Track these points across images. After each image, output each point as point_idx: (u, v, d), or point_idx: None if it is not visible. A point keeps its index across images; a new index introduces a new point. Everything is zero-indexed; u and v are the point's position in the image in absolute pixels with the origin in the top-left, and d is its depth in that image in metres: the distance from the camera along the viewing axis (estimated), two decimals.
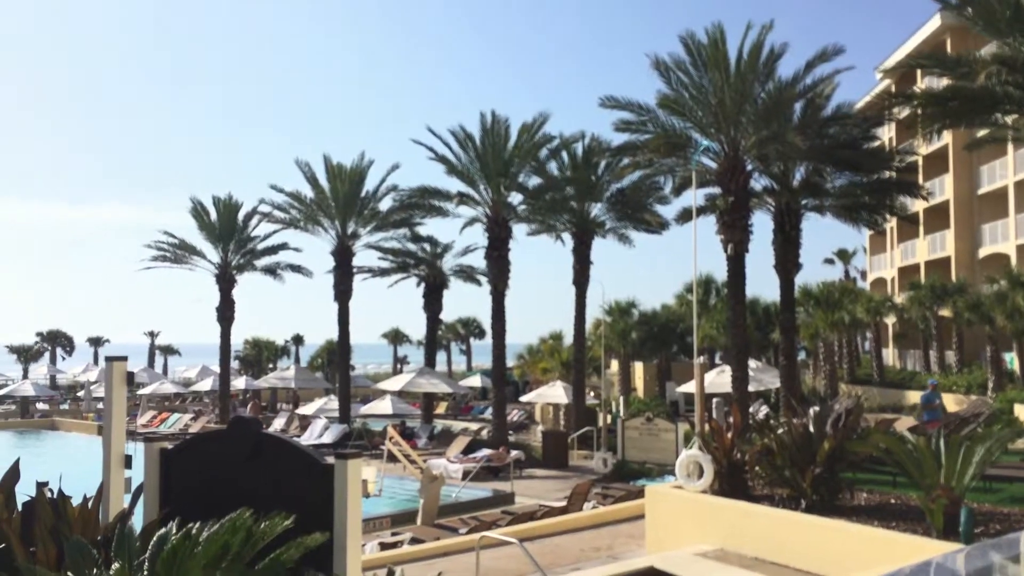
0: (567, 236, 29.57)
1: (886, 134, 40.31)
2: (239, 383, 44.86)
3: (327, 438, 28.88)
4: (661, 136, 22.67)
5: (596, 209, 29.28)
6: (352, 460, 5.43)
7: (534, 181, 28.86)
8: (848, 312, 35.58)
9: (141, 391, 44.26)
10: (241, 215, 37.63)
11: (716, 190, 23.52)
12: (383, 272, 35.82)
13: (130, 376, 7.21)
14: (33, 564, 5.93)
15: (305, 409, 35.32)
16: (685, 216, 27.63)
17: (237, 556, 4.54)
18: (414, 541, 13.10)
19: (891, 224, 42.03)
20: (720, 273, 39.12)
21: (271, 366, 58.46)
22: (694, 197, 19.44)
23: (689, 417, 25.96)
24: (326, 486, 5.47)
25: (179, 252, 37.74)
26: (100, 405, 45.94)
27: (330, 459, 5.68)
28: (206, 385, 46.98)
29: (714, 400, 23.56)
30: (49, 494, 7.07)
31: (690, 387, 30.79)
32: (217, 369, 41.24)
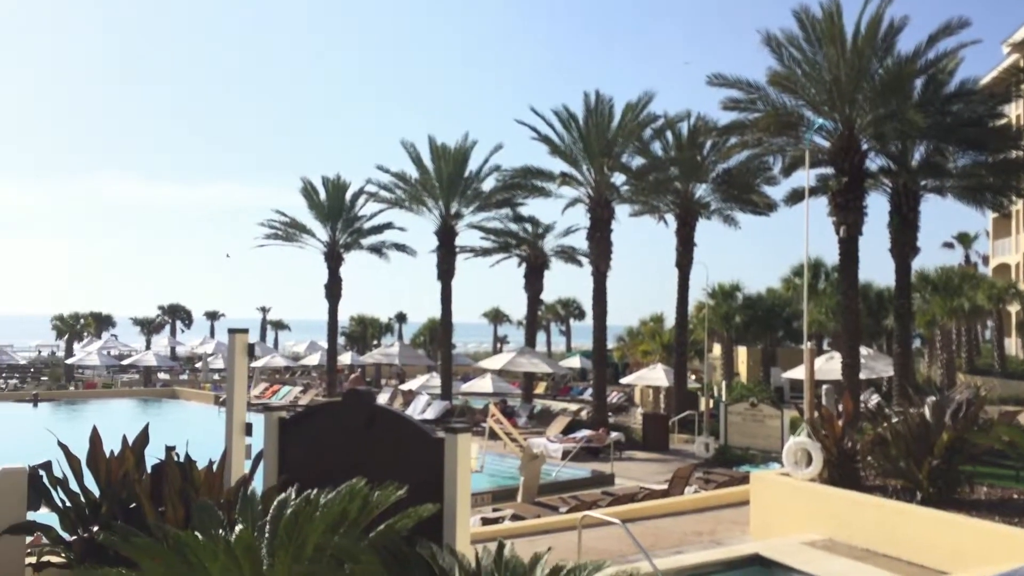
0: (670, 217, 29.17)
1: (1013, 111, 38.05)
2: (345, 358, 46.21)
3: (429, 414, 29.45)
4: (771, 114, 22.03)
5: (701, 190, 28.77)
6: (462, 435, 5.54)
7: (638, 161, 28.55)
8: (968, 299, 33.89)
9: (254, 364, 46.16)
10: (349, 195, 38.61)
11: (828, 170, 22.75)
12: (485, 252, 36.16)
13: (251, 348, 7.54)
14: (162, 523, 6.29)
15: (407, 385, 36.13)
16: (794, 197, 26.82)
17: (354, 522, 4.70)
18: (515, 518, 13.26)
19: (1017, 207, 39.73)
20: (830, 256, 37.81)
21: (375, 343, 59.97)
22: (807, 177, 18.84)
23: (796, 404, 25.31)
24: (437, 459, 5.59)
25: (290, 231, 39.01)
26: (216, 376, 48.23)
27: (440, 433, 5.80)
28: (314, 360, 48.60)
29: (823, 387, 22.91)
30: (175, 458, 7.49)
31: (796, 373, 30.05)
32: (324, 344, 42.58)
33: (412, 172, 33.44)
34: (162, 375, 50.78)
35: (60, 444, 7.62)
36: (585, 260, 31.78)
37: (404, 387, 36.27)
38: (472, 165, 32.98)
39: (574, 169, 28.51)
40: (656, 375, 30.75)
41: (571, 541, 10.40)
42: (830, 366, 24.77)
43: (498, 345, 66.74)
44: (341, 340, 53.04)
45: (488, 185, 32.82)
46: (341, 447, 6.51)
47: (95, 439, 7.62)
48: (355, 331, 61.23)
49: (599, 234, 27.91)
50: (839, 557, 9.09)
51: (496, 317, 69.26)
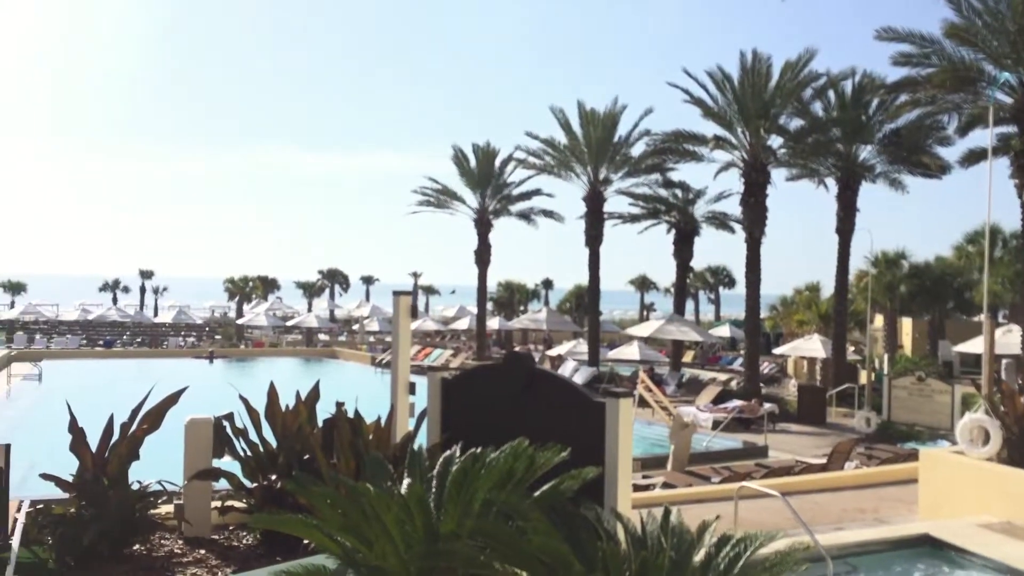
0: (830, 181, 27.83)
1: None
2: (493, 323, 47.07)
3: (577, 379, 29.62)
4: (947, 69, 20.53)
5: (865, 152, 27.26)
6: (623, 399, 5.53)
7: (796, 123, 27.34)
8: None
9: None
10: (498, 162, 39.01)
11: (1010, 129, 21.00)
12: (633, 218, 35.73)
13: (414, 310, 7.81)
14: (335, 473, 6.64)
15: (554, 351, 36.43)
16: (970, 158, 24.97)
17: (519, 481, 4.79)
18: (666, 486, 13.18)
19: None
20: (1008, 222, 35.08)
21: (522, 308, 60.72)
22: (991, 136, 17.44)
23: (970, 379, 23.74)
24: (597, 423, 5.62)
25: (441, 197, 39.90)
26: (371, 338, 50.29)
27: (601, 398, 5.81)
28: (463, 324, 49.80)
29: (1003, 361, 21.39)
30: (345, 414, 7.87)
31: (969, 346, 28.21)
32: (473, 309, 43.48)
33: (561, 138, 33.40)
34: (322, 336, 53.47)
35: (241, 397, 8.17)
36: (738, 226, 30.87)
37: (551, 353, 36.60)
38: (621, 130, 32.59)
39: (728, 132, 27.62)
40: (812, 346, 29.63)
41: (723, 511, 10.24)
42: (1008, 340, 23.10)
43: (644, 313, 66.05)
44: (488, 305, 54.09)
45: (637, 150, 32.37)
46: (501, 408, 6.65)
47: (272, 394, 8.12)
48: (503, 296, 62.20)
49: (753, 199, 26.99)
50: (1018, 541, 8.51)
51: (643, 284, 68.51)
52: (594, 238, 32.86)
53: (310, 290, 68.76)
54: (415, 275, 79.06)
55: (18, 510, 7.03)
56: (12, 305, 61.29)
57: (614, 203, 35.27)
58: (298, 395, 8.13)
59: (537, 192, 38.73)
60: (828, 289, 29.35)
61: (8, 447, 6.23)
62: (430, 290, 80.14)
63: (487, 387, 6.99)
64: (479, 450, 4.95)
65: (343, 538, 4.74)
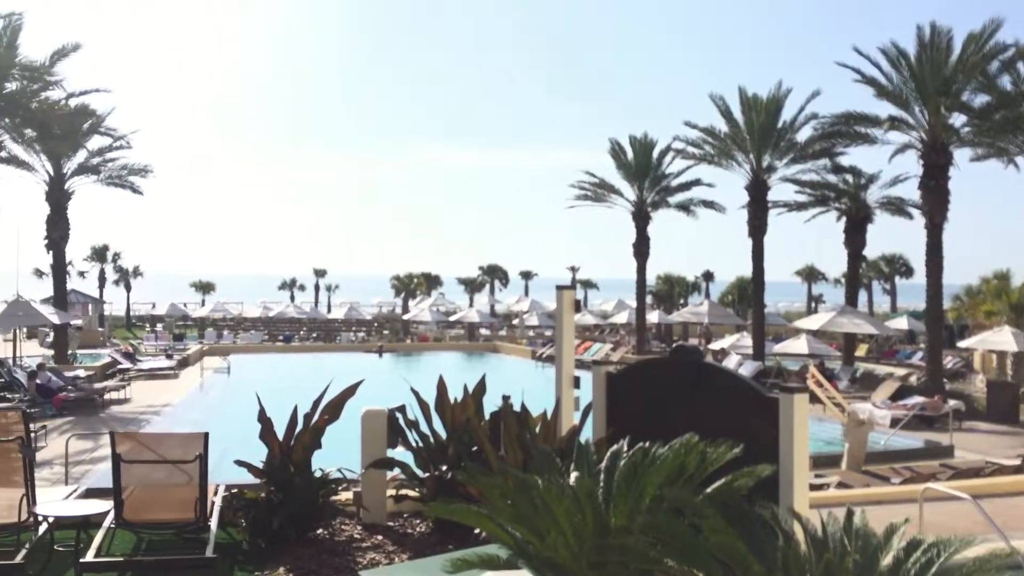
0: (1022, 160, 25.61)
1: None
2: (652, 317, 46.48)
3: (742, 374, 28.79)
4: None
5: None
6: (799, 395, 5.32)
7: (981, 99, 25.31)
8: None
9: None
10: (656, 153, 38.42)
11: None
12: (800, 206, 34.26)
13: (577, 304, 7.81)
14: (503, 465, 6.76)
15: (716, 345, 35.52)
16: None
17: (690, 477, 4.70)
18: (841, 486, 12.58)
19: None
20: None
21: (682, 301, 59.60)
22: None
23: None
24: (770, 419, 5.43)
25: (599, 191, 39.75)
26: (531, 332, 50.87)
27: (774, 393, 5.61)
28: (622, 318, 49.41)
29: None
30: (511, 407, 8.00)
31: None
32: (632, 303, 43.07)
33: (721, 126, 32.45)
34: (483, 331, 54.60)
35: (412, 390, 8.47)
36: (916, 212, 28.97)
37: (713, 347, 35.74)
38: (786, 115, 31.27)
39: (904, 112, 25.95)
40: (1003, 339, 27.38)
41: (908, 515, 9.66)
42: None
43: (812, 304, 63.23)
44: (648, 299, 53.43)
45: (804, 135, 30.95)
46: (668, 402, 6.56)
47: (441, 387, 8.38)
48: (662, 290, 61.28)
49: (934, 182, 25.23)
50: None
51: (810, 275, 65.63)
52: (757, 228, 31.76)
53: (471, 286, 70.33)
54: (573, 269, 79.35)
55: (215, 493, 7.59)
56: (203, 303, 66.22)
57: (778, 191, 34.24)
58: (465, 388, 8.33)
59: (696, 183, 37.84)
60: (1020, 276, 27.07)
61: (207, 435, 6.74)
62: (588, 284, 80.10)
63: (654, 381, 6.91)
64: (648, 444, 4.90)
65: (514, 529, 4.81)
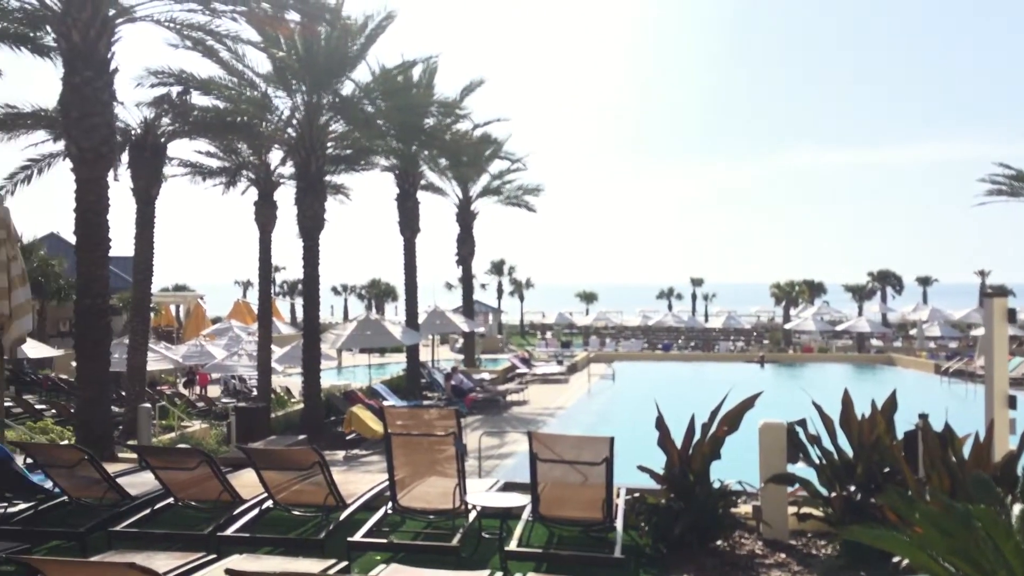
0: None
1: None
2: None
3: None
4: None
5: None
6: None
7: None
8: None
9: (973, 332, 42.80)
10: None
11: None
12: None
13: (1011, 313, 6.89)
14: (924, 490, 6.16)
15: None
16: None
17: None
18: None
19: None
20: None
21: None
22: None
23: None
24: None
25: (1016, 184, 34.87)
26: (932, 344, 46.14)
27: None
28: None
29: None
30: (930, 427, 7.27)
31: None
32: None
33: None
34: (874, 341, 50.63)
35: (814, 404, 8.07)
36: None
37: None
38: None
39: None
40: None
41: None
42: None
43: None
44: None
45: None
46: None
47: (847, 401, 7.88)
48: None
49: None
50: None
51: None
52: None
53: (859, 293, 65.69)
54: (982, 273, 70.62)
55: (617, 496, 7.89)
56: (586, 312, 69.86)
57: None
58: (873, 404, 7.76)
59: None
60: None
61: (612, 439, 7.03)
62: (1002, 291, 70.50)
63: None
64: None
65: (949, 562, 4.35)
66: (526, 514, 7.43)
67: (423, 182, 30.66)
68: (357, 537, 7.20)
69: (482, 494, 7.87)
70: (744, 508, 7.99)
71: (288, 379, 27.92)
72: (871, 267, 67.32)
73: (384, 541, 7.32)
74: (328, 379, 24.75)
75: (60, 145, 18.59)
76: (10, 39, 15.48)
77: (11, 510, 8.24)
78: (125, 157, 19.10)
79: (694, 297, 77.64)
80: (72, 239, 14.21)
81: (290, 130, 20.93)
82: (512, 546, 6.98)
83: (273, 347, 23.81)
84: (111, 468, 8.76)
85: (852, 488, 7.39)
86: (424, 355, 30.84)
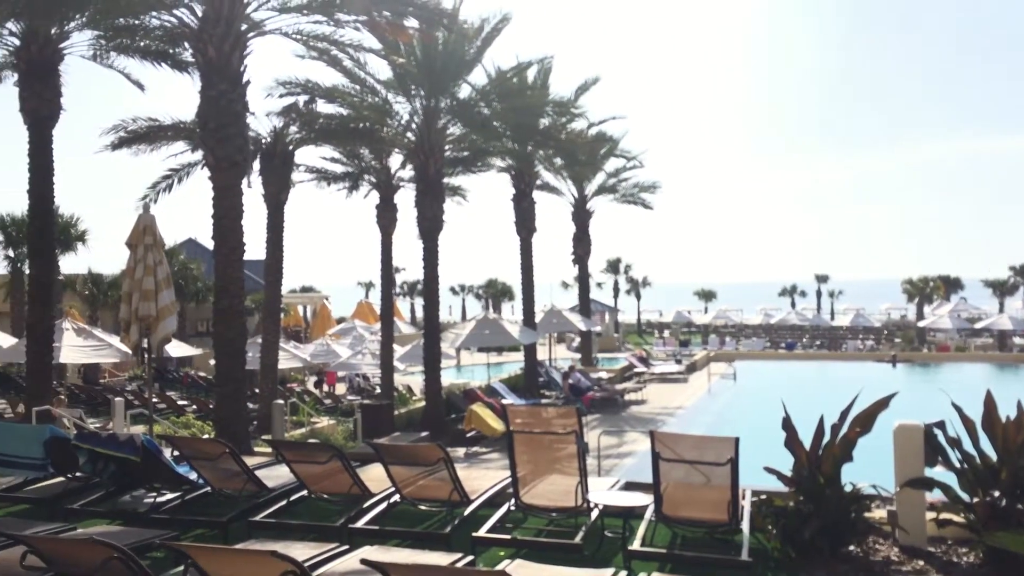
0: None
1: None
2: None
3: None
4: None
5: None
6: None
7: None
8: None
9: None
10: None
11: None
12: None
13: None
14: None
15: None
16: None
17: None
18: None
19: None
20: None
21: None
22: None
23: None
24: None
25: None
26: None
27: None
28: None
29: None
30: None
31: None
32: None
33: None
34: (1017, 339, 47.64)
35: (954, 405, 7.69)
36: None
37: None
38: None
39: None
40: None
41: None
42: None
43: None
44: None
45: None
46: None
47: (990, 403, 7.47)
48: None
49: None
50: None
51: None
52: None
53: (1001, 288, 61.91)
54: None
55: (743, 497, 7.73)
56: (705, 311, 68.61)
57: None
58: (1019, 405, 7.33)
59: None
60: None
61: (737, 440, 6.90)
62: None
63: None
64: None
65: None
66: (649, 514, 7.38)
67: (539, 182, 30.83)
68: (481, 532, 7.33)
69: (604, 492, 7.87)
70: (878, 513, 7.69)
71: (409, 377, 28.63)
72: (1013, 261, 63.36)
73: (508, 537, 7.42)
74: (447, 377, 25.23)
75: (198, 155, 19.66)
76: (152, 56, 16.58)
77: (160, 499, 8.78)
78: (257, 165, 20.02)
79: (819, 294, 75.05)
80: (209, 244, 15.02)
81: (409, 134, 21.45)
82: (635, 545, 6.95)
83: (395, 346, 24.47)
84: (249, 461, 9.20)
85: (996, 493, 7.01)
86: (541, 354, 31.00)
